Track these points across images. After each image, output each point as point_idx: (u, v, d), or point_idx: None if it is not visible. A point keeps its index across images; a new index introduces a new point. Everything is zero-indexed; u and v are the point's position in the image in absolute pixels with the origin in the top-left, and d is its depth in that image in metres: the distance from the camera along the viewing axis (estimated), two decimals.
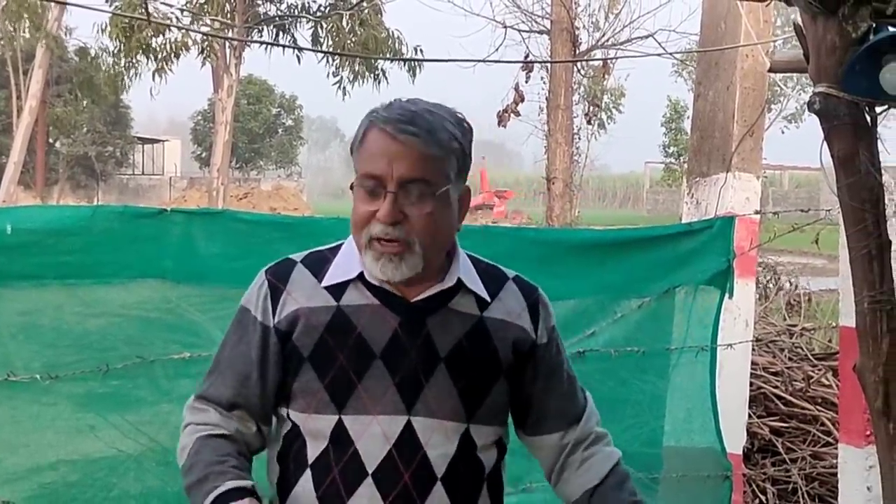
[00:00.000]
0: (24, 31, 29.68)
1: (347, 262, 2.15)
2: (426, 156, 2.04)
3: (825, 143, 2.47)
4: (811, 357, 6.06)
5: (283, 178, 50.77)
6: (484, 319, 2.17)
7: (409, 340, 2.11)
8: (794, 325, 6.64)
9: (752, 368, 5.93)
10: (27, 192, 32.84)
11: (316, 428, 2.11)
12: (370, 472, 2.07)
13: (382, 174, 2.03)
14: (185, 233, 3.07)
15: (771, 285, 9.94)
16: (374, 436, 2.08)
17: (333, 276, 2.15)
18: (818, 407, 5.66)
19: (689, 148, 4.83)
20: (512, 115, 11.80)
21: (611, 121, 22.16)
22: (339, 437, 2.09)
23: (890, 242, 2.94)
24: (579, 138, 14.31)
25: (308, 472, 2.12)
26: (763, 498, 5.47)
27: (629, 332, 3.65)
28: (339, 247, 2.20)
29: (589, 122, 15.23)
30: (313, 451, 2.12)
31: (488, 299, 2.19)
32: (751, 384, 5.84)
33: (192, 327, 3.12)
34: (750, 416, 5.72)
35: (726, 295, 3.76)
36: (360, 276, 2.13)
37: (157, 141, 54.77)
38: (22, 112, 27.07)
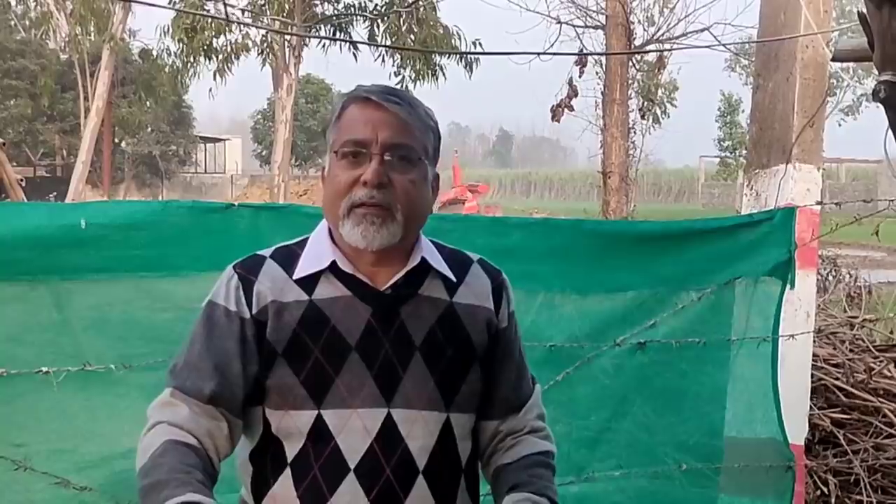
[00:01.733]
0: (89, 35, 30.19)
1: (317, 253, 2.16)
2: (409, 124, 2.09)
3: (890, 130, 2.47)
4: (872, 349, 5.99)
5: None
6: (454, 305, 2.18)
7: (383, 331, 2.11)
8: (855, 317, 6.55)
9: (812, 360, 5.90)
10: (95, 191, 33.44)
11: (293, 425, 2.08)
12: (352, 467, 2.06)
13: (367, 139, 2.06)
14: (252, 227, 3.13)
15: (831, 277, 9.84)
16: (354, 430, 2.06)
17: (304, 268, 2.14)
18: (880, 398, 5.60)
19: (748, 140, 4.81)
20: (566, 109, 11.76)
21: (665, 115, 21.99)
22: (319, 432, 2.07)
23: None
24: (634, 132, 14.22)
25: (287, 471, 2.09)
26: (825, 489, 5.43)
27: (690, 324, 3.65)
28: (305, 240, 2.21)
29: (643, 117, 15.14)
30: (291, 449, 2.09)
31: (454, 280, 2.19)
32: (812, 376, 5.81)
33: None
34: (811, 407, 5.69)
35: (787, 286, 3.75)
36: (331, 267, 2.12)
37: (219, 140, 55.52)
38: (89, 113, 27.58)
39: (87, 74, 32.96)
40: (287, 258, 2.18)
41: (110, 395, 3.08)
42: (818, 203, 3.88)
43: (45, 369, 2.91)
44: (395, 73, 23.21)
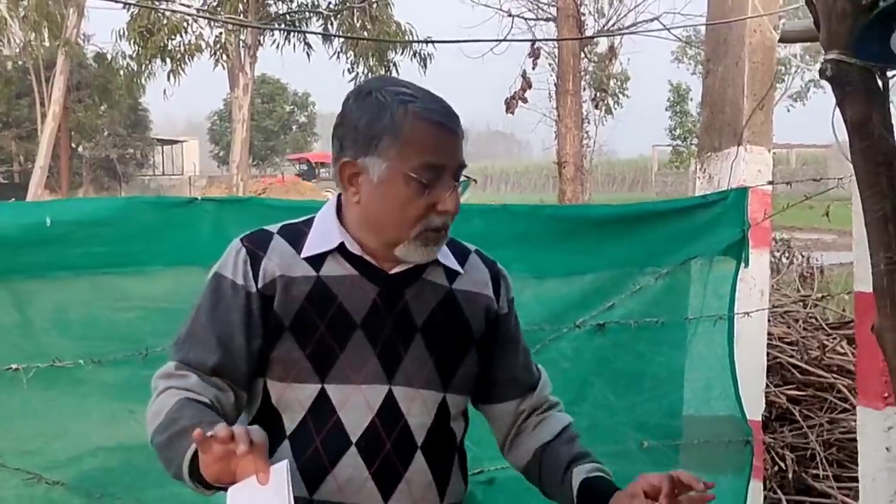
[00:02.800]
0: (44, 40, 29.89)
1: (325, 234, 2.18)
2: (462, 144, 2.14)
3: (838, 108, 2.52)
4: (826, 326, 6.13)
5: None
6: (454, 291, 2.24)
7: (387, 311, 2.15)
8: (808, 296, 6.71)
9: (768, 339, 6.02)
10: (53, 195, 33.13)
11: (294, 398, 2.13)
12: (354, 441, 2.10)
13: (444, 164, 2.08)
14: (216, 220, 3.15)
15: (784, 259, 10.00)
16: (357, 405, 2.11)
17: (312, 247, 2.17)
18: (834, 374, 5.74)
19: (700, 124, 4.91)
20: (519, 101, 11.84)
21: (618, 105, 22.19)
22: (321, 406, 2.11)
23: None
24: (587, 122, 14.36)
25: (286, 444, 2.13)
26: (782, 465, 5.56)
27: (647, 305, 3.72)
28: (311, 220, 2.24)
29: (596, 107, 15.30)
30: (290, 422, 2.14)
31: (460, 270, 2.25)
32: (767, 354, 5.92)
33: None
34: (767, 385, 5.80)
35: (742, 264, 3.83)
36: (339, 248, 2.16)
37: (176, 142, 55.40)
38: (46, 118, 27.32)
39: (43, 80, 32.62)
40: (294, 235, 2.20)
41: (77, 395, 3.10)
42: (769, 183, 3.96)
43: (14, 366, 2.92)
44: (348, 69, 23.23)
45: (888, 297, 2.97)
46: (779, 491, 5.56)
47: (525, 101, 11.80)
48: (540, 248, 3.49)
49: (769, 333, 6.08)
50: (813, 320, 6.27)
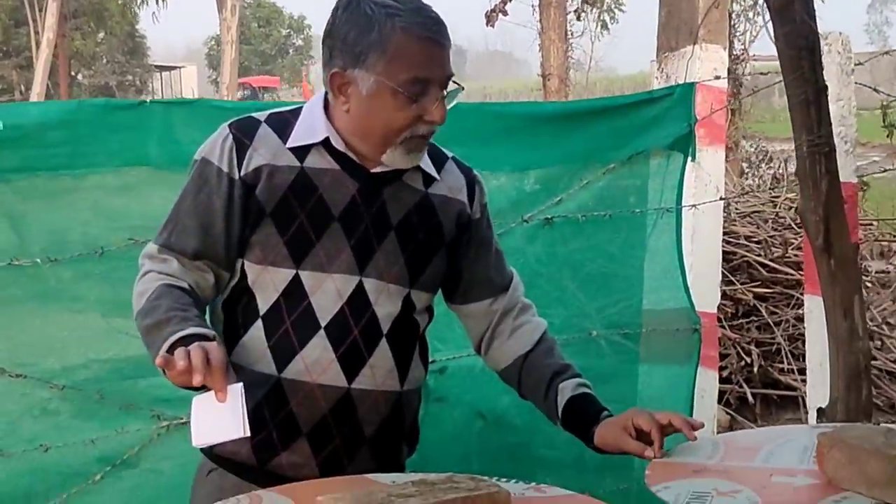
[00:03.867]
0: None
1: (311, 126, 2.27)
2: (448, 54, 2.21)
3: None
4: (795, 225, 6.24)
5: (297, 97, 51.03)
6: (429, 195, 2.35)
7: (365, 206, 2.26)
8: (778, 196, 6.80)
9: (734, 238, 6.12)
10: None
11: (270, 280, 2.24)
12: (323, 325, 2.23)
13: (431, 78, 2.16)
14: (165, 122, 3.20)
15: (763, 165, 10.08)
16: (328, 292, 2.23)
17: (297, 137, 2.26)
18: (800, 272, 5.84)
19: (658, 24, 4.95)
20: (500, 14, 11.74)
21: (614, 21, 21.96)
22: (294, 291, 2.23)
23: (826, 87, 3.11)
24: (571, 35, 14.24)
25: (259, 322, 2.26)
26: (748, 359, 5.72)
27: (595, 199, 3.78)
28: (298, 110, 2.33)
29: (578, 18, 15.15)
30: (263, 303, 2.25)
31: (437, 177, 2.37)
32: (734, 253, 6.05)
33: None
34: (734, 283, 5.93)
35: (689, 159, 3.90)
36: (324, 142, 2.25)
37: (174, 68, 55.31)
38: (40, 46, 27.11)
39: (37, 7, 32.43)
40: (281, 124, 2.30)
41: (36, 293, 3.19)
42: (717, 77, 3.99)
43: None
44: None
45: (810, 178, 3.08)
46: (745, 385, 5.72)
47: (506, 13, 11.69)
48: (486, 145, 3.56)
49: (735, 233, 6.20)
50: (782, 220, 6.37)
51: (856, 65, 3.81)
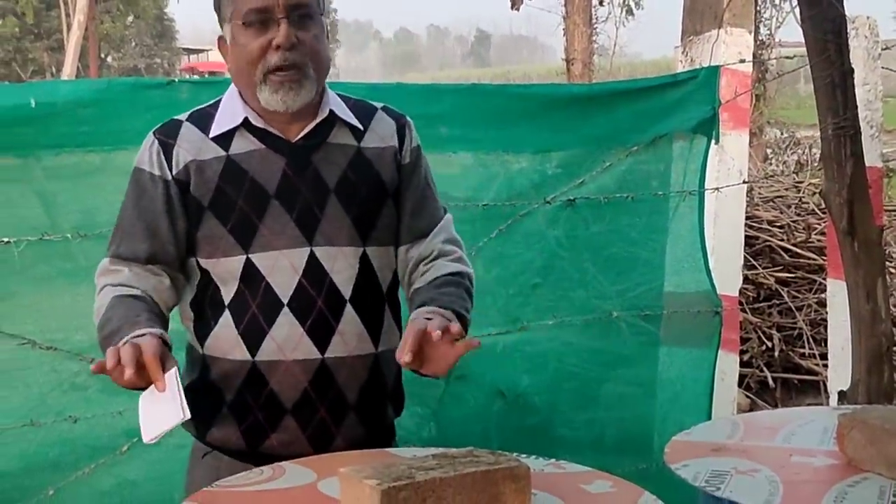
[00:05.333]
0: None
1: (230, 112, 2.33)
2: None
3: None
4: (818, 210, 6.23)
5: None
6: (361, 149, 2.35)
7: (298, 177, 2.28)
8: (801, 182, 6.79)
9: (756, 223, 6.12)
10: None
11: (226, 270, 2.28)
12: (285, 302, 2.26)
13: (269, 4, 2.20)
14: (193, 101, 3.19)
15: (788, 151, 10.04)
16: (282, 268, 2.26)
17: (219, 126, 2.32)
18: (823, 257, 5.84)
19: (683, 8, 4.95)
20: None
21: (638, 7, 21.84)
22: (250, 275, 2.26)
23: (852, 70, 3.11)
24: (596, 20, 14.13)
25: (226, 312, 2.30)
26: (769, 343, 5.72)
27: (618, 181, 3.80)
28: (218, 102, 2.39)
29: (601, 3, 15.06)
30: (227, 293, 2.30)
31: (362, 128, 2.37)
32: (756, 238, 6.05)
33: None
34: (756, 267, 5.94)
35: (713, 141, 3.91)
36: (244, 123, 2.30)
37: (202, 51, 55.63)
38: (71, 28, 27.21)
39: None
40: (202, 119, 2.36)
41: (65, 268, 3.24)
42: (742, 61, 3.99)
43: (5, 239, 3.07)
44: None
45: (835, 161, 3.09)
46: (765, 369, 5.73)
47: None
48: (509, 127, 3.58)
49: (759, 218, 6.20)
50: (805, 205, 6.36)
51: (883, 49, 3.81)
